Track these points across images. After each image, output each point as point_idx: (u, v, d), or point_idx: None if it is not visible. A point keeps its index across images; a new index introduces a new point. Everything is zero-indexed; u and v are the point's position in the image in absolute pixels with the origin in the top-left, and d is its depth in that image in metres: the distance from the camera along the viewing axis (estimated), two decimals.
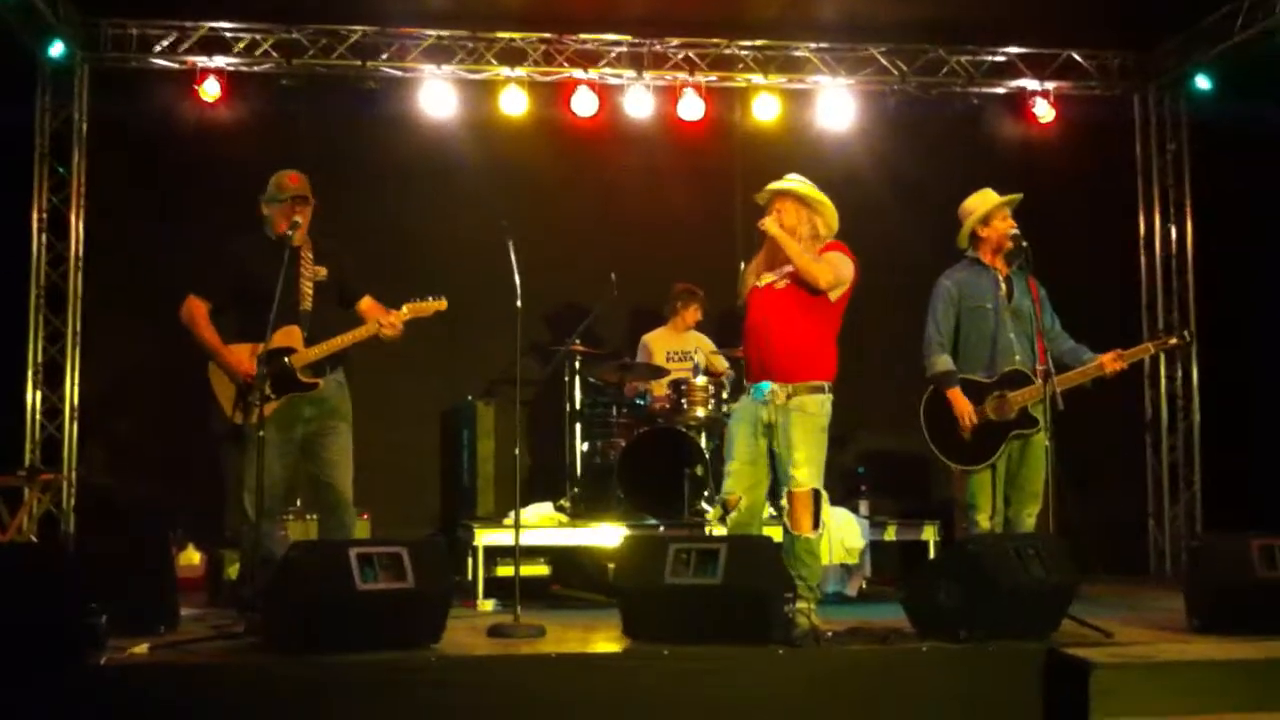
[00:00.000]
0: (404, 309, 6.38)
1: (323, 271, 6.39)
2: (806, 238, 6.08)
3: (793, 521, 5.91)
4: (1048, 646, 5.36)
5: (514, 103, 9.20)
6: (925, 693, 5.27)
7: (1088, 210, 9.49)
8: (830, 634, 5.53)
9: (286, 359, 6.19)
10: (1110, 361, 6.54)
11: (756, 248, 6.28)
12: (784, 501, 5.99)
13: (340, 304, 6.48)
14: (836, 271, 6.05)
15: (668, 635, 5.35)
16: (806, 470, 5.89)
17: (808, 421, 5.93)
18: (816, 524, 5.90)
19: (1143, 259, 9.85)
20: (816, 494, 5.91)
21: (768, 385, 5.95)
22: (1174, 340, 6.97)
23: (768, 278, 6.11)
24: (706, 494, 7.13)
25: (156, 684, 4.84)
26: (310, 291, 6.33)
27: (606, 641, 5.67)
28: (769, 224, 6.07)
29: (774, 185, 6.20)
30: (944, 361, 6.64)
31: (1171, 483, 9.56)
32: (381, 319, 6.33)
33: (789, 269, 6.02)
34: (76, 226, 8.87)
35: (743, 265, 6.36)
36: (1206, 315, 9.51)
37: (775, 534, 6.29)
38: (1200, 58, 9.21)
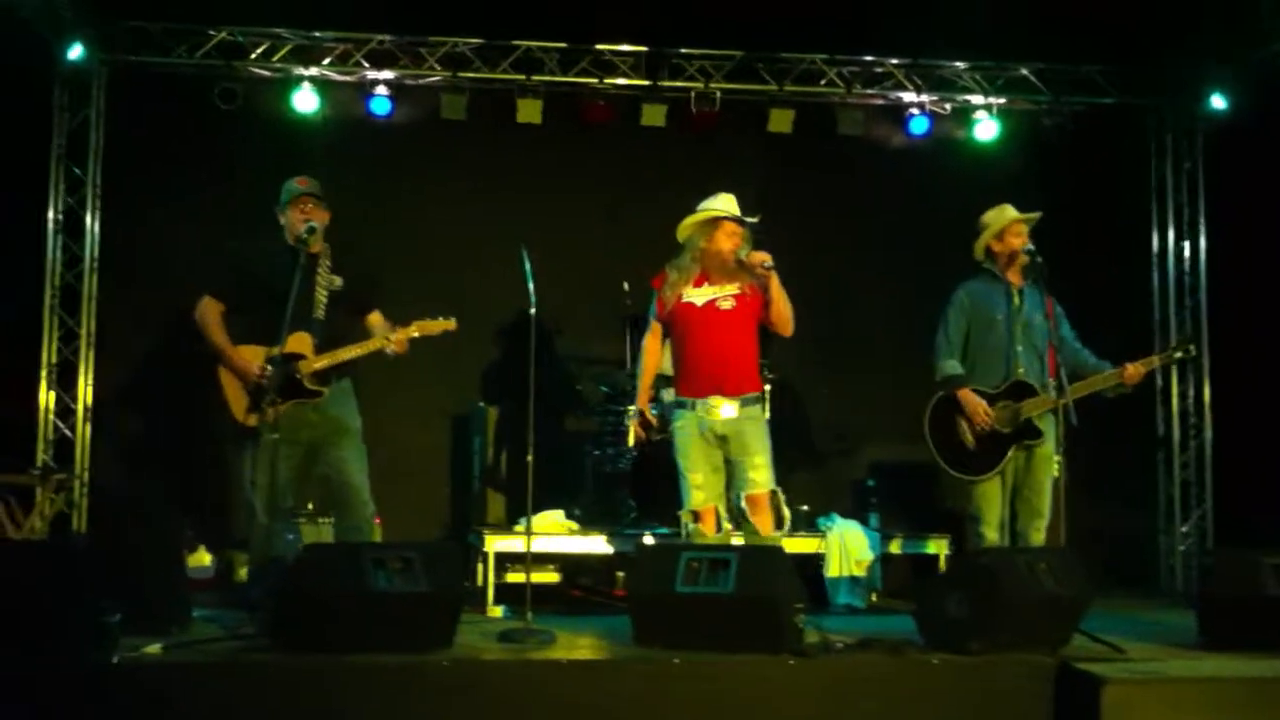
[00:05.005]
0: (413, 326, 6.41)
1: (338, 281, 6.44)
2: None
3: (757, 523, 6.18)
4: (1059, 661, 5.36)
5: (529, 110, 9.19)
6: (936, 705, 5.27)
7: (1102, 226, 9.49)
8: (841, 645, 5.52)
9: (295, 365, 6.22)
10: (1131, 372, 6.55)
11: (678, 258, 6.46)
12: (743, 504, 6.21)
13: (353, 313, 6.51)
14: None
15: (679, 643, 5.36)
16: (766, 473, 6.23)
17: (761, 428, 6.29)
18: (780, 523, 6.23)
19: (1156, 276, 9.82)
20: (775, 494, 6.23)
21: (721, 399, 6.20)
22: (1179, 353, 6.98)
23: (705, 294, 6.31)
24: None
25: (169, 683, 4.87)
26: (324, 300, 6.38)
27: (618, 649, 5.66)
28: (770, 266, 6.19)
29: (732, 212, 6.38)
30: (952, 365, 6.73)
31: (1183, 499, 9.52)
32: (389, 335, 6.36)
33: (734, 290, 6.28)
34: (92, 228, 8.88)
35: (671, 274, 6.43)
36: (1220, 333, 9.48)
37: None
38: (1216, 74, 9.20)
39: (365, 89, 9.13)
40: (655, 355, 6.59)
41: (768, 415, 6.45)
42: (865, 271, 9.42)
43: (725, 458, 6.27)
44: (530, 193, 9.15)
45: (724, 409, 6.22)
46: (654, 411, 6.68)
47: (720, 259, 6.31)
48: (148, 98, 8.92)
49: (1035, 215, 6.82)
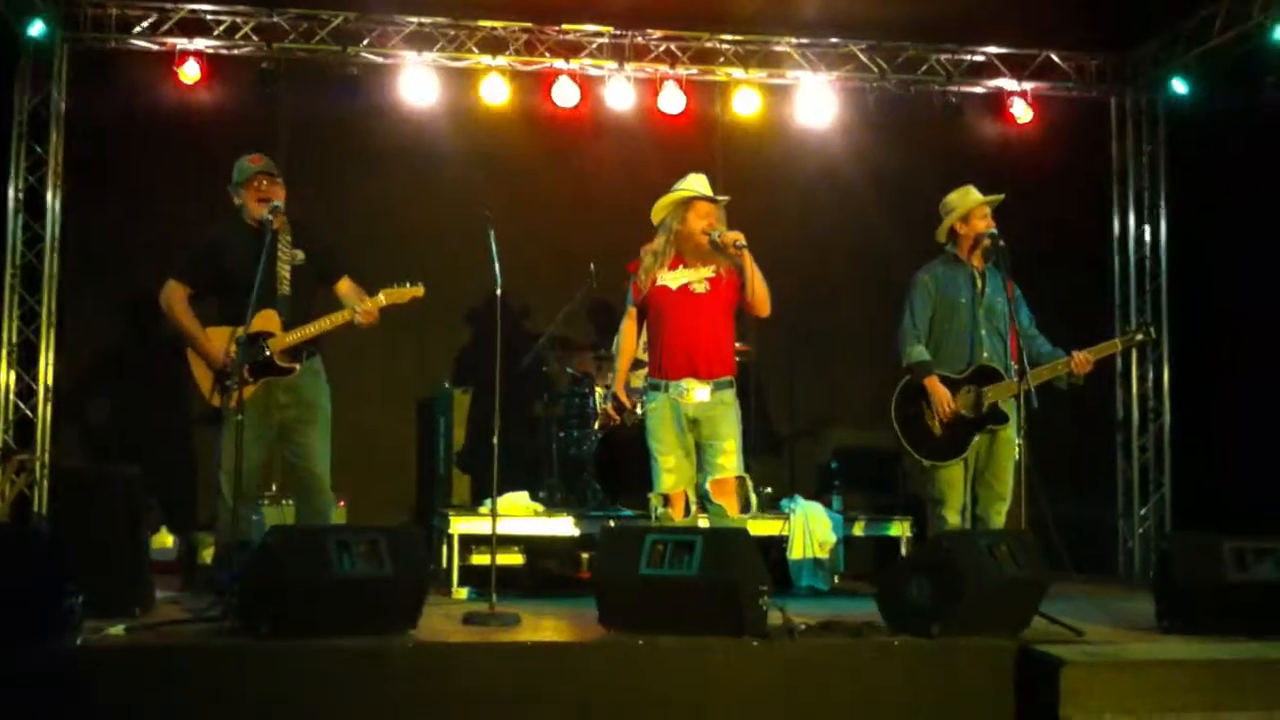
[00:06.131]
0: (380, 295, 6.40)
1: (301, 255, 6.42)
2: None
3: (722, 506, 6.18)
4: (1019, 643, 5.41)
5: (495, 91, 9.20)
6: (897, 687, 5.31)
7: (1063, 210, 9.54)
8: (803, 627, 5.55)
9: (264, 343, 6.21)
10: (1079, 360, 6.59)
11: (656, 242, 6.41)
12: (709, 488, 6.21)
13: (320, 284, 6.49)
14: None
15: (643, 626, 5.36)
16: (734, 458, 6.22)
17: (732, 413, 6.26)
18: (746, 507, 6.26)
19: (1116, 259, 9.91)
20: (742, 479, 6.25)
21: (694, 382, 6.19)
22: (1139, 335, 7.04)
23: (680, 277, 6.29)
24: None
25: (134, 666, 4.84)
26: (288, 275, 6.37)
27: (581, 631, 5.67)
28: (743, 245, 6.16)
29: (703, 192, 6.35)
30: (919, 351, 6.74)
31: (1142, 483, 9.63)
32: (358, 305, 6.35)
33: (709, 274, 6.26)
34: (53, 207, 8.81)
35: (646, 258, 6.40)
36: (1180, 316, 9.58)
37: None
38: (1178, 60, 9.27)
39: (330, 67, 9.07)
40: (632, 340, 6.57)
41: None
42: (832, 255, 9.44)
43: (695, 441, 6.26)
44: (497, 174, 9.13)
45: (697, 392, 6.21)
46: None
47: (694, 240, 6.27)
48: (110, 75, 8.87)
49: (998, 198, 6.85)
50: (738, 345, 6.66)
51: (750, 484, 6.33)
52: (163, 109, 8.92)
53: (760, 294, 6.26)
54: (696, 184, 6.38)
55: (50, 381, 8.73)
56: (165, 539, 7.92)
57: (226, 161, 6.64)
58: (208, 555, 7.28)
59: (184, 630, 5.29)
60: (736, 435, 6.27)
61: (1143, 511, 9.57)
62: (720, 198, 6.36)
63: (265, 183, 6.38)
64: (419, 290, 6.47)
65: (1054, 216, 9.33)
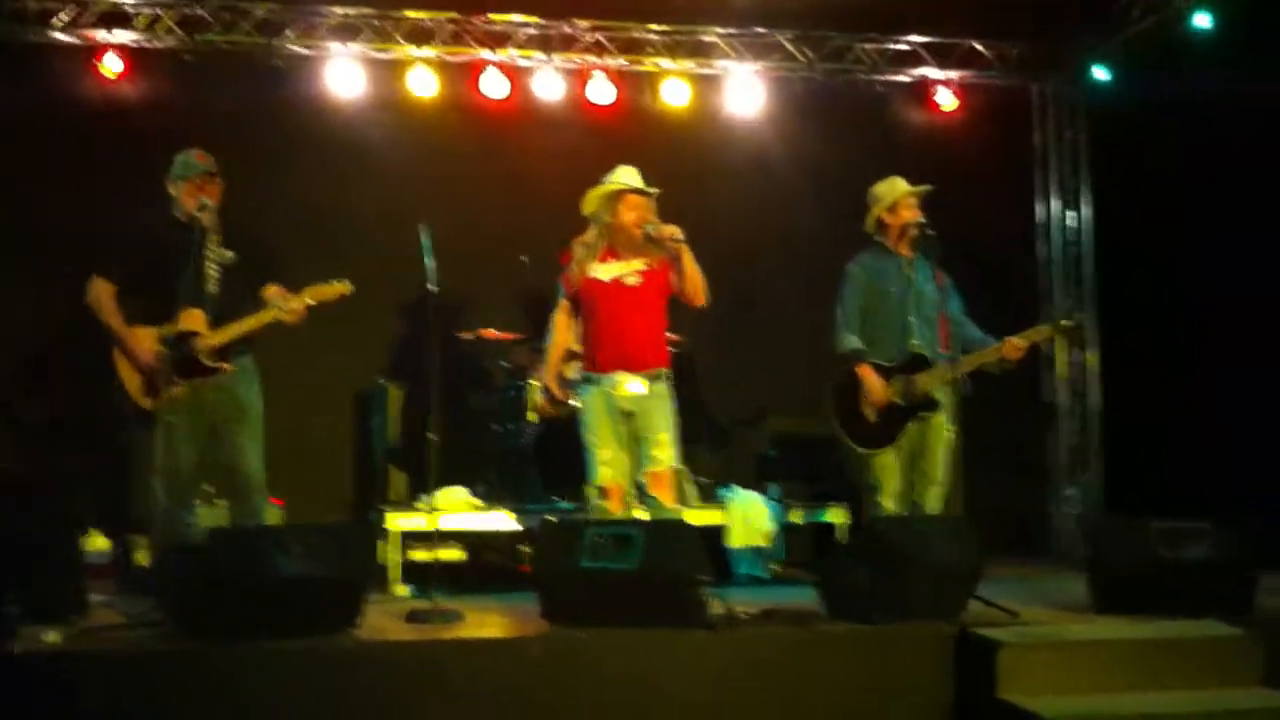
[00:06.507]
0: (305, 294, 6.31)
1: (230, 254, 6.35)
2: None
3: (660, 499, 6.20)
4: (958, 626, 5.48)
5: (422, 83, 9.14)
6: (839, 673, 5.39)
7: (988, 197, 9.62)
8: (745, 616, 5.60)
9: (190, 343, 6.14)
10: (1012, 346, 6.68)
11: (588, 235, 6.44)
12: (643, 478, 6.23)
13: (249, 285, 6.42)
14: None
15: (586, 619, 5.39)
16: (669, 450, 6.24)
17: (667, 405, 6.28)
18: (681, 500, 6.37)
19: (1041, 245, 10.03)
20: (677, 471, 6.31)
21: (627, 375, 6.21)
22: (1065, 322, 7.17)
23: (612, 270, 6.30)
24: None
25: (73, 673, 4.78)
26: (216, 274, 6.29)
27: (525, 626, 5.67)
28: (680, 239, 6.17)
29: (641, 186, 6.35)
30: (852, 340, 6.80)
31: (1071, 465, 9.77)
32: (283, 305, 6.28)
33: (641, 266, 6.28)
34: None
35: (578, 250, 6.42)
36: (1105, 300, 9.73)
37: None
38: (1099, 47, 9.39)
39: (254, 59, 8.96)
40: (564, 331, 6.54)
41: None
42: (766, 243, 9.47)
43: (631, 434, 6.27)
44: (426, 166, 9.07)
45: (631, 385, 6.23)
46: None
47: (626, 233, 6.28)
48: (31, 70, 8.68)
49: (926, 188, 6.93)
50: (672, 336, 6.69)
51: (687, 476, 6.34)
52: (85, 102, 8.76)
53: (696, 285, 6.27)
54: (628, 177, 6.38)
55: None
56: (98, 541, 7.80)
57: (151, 155, 6.55)
58: (142, 558, 7.20)
59: (122, 635, 5.22)
60: (671, 427, 6.29)
61: (1072, 493, 9.70)
62: (651, 190, 6.37)
63: (206, 181, 6.32)
64: (345, 287, 6.39)
65: (979, 203, 9.39)
